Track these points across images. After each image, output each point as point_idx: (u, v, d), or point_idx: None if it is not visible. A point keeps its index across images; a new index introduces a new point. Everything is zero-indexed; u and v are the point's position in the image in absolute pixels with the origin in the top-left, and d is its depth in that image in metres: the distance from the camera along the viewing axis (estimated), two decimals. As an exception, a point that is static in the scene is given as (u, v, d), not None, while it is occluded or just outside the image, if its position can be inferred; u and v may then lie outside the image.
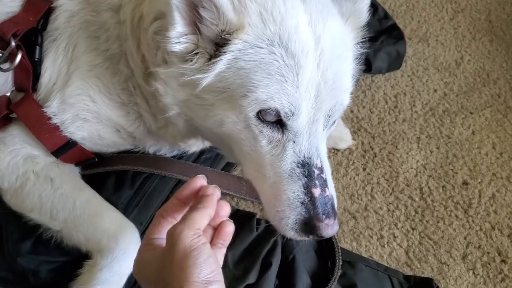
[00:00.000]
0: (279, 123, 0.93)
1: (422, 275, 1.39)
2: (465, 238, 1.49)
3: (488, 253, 1.46)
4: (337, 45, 0.97)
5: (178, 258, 0.76)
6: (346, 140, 1.67)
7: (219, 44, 0.92)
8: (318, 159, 0.95)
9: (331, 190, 0.95)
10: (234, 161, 1.19)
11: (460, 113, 1.82)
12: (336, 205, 0.96)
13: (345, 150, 1.67)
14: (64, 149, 1.23)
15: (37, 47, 1.19)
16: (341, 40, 1.00)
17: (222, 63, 0.91)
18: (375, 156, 1.67)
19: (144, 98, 1.17)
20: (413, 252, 1.45)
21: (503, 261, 1.44)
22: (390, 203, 1.55)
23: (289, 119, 0.91)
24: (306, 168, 0.93)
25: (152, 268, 0.82)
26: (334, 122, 1.02)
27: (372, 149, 1.69)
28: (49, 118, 1.17)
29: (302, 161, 0.93)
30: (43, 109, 1.17)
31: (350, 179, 1.61)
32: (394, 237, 1.48)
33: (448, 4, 2.26)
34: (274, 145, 0.94)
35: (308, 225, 0.92)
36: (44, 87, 1.19)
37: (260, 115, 0.92)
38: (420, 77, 1.93)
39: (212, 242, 0.87)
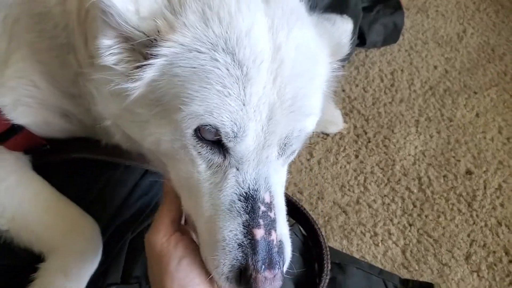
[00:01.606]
0: (221, 145, 0.76)
1: (421, 279, 1.25)
2: (468, 236, 1.33)
3: (494, 252, 1.31)
4: (303, 59, 0.78)
5: (153, 266, 0.76)
6: (336, 123, 1.50)
7: (150, 48, 0.75)
8: (267, 193, 0.76)
9: (280, 235, 0.76)
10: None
11: (462, 93, 1.65)
12: (286, 254, 0.77)
13: (335, 134, 1.50)
14: (8, 135, 1.07)
15: None
16: (309, 53, 0.80)
17: (153, 70, 0.75)
18: (369, 142, 1.49)
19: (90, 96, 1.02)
20: (411, 251, 1.29)
21: (511, 261, 1.29)
22: (385, 196, 1.39)
23: (230, 141, 0.73)
24: (250, 202, 0.75)
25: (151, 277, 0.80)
26: (294, 151, 0.83)
27: (366, 133, 1.51)
28: None
29: (246, 193, 0.75)
30: None
31: (340, 168, 1.44)
32: (390, 234, 1.32)
33: (449, -29, 2.06)
34: (214, 171, 0.77)
35: (243, 274, 0.74)
36: None
37: (199, 133, 0.74)
38: (419, 51, 1.75)
39: None
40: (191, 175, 0.77)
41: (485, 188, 1.43)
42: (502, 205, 1.39)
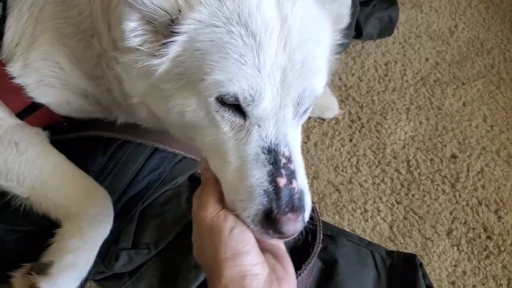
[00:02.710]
0: (241, 108, 0.85)
1: (406, 251, 1.36)
2: (451, 213, 1.44)
3: (474, 229, 1.42)
4: (308, 27, 0.88)
5: (204, 238, 0.83)
6: (332, 109, 1.61)
7: (172, 26, 0.85)
8: (286, 148, 0.85)
9: (300, 184, 0.86)
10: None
11: (451, 84, 1.76)
12: (306, 202, 0.86)
13: (331, 119, 1.61)
14: (30, 111, 1.16)
15: (0, 3, 1.10)
16: (313, 22, 0.90)
17: (176, 46, 0.84)
18: (363, 127, 1.61)
19: (116, 78, 1.10)
20: (397, 226, 1.41)
21: (488, 237, 1.41)
22: (375, 176, 1.50)
23: (248, 105, 0.83)
24: (272, 155, 0.84)
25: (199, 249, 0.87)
26: (306, 110, 0.93)
27: (360, 119, 1.62)
28: (12, 77, 1.09)
29: (268, 147, 0.84)
30: (6, 68, 1.09)
31: (335, 150, 1.55)
32: (379, 211, 1.44)
33: (444, -31, 2.16)
34: (237, 130, 0.86)
35: (269, 217, 0.82)
36: (6, 47, 1.11)
37: (221, 98, 0.84)
38: (412, 44, 1.85)
39: None
40: (217, 137, 0.87)
41: (468, 171, 1.54)
42: (483, 186, 1.51)
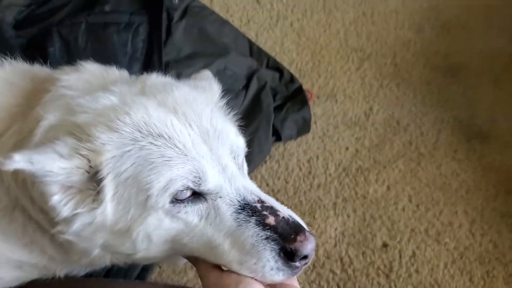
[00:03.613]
0: (196, 195, 0.90)
1: None
2: (389, 307, 1.47)
3: (413, 319, 1.44)
4: (195, 103, 0.98)
5: None
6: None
7: (92, 177, 0.90)
8: (252, 195, 0.90)
9: (285, 212, 0.90)
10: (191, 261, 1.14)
11: (373, 169, 1.83)
12: (300, 221, 0.91)
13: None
14: None
15: None
16: (195, 98, 1.00)
17: (107, 188, 0.89)
18: (293, 231, 1.64)
19: (48, 237, 1.12)
20: (339, 331, 1.42)
21: (428, 325, 1.43)
22: (312, 281, 1.53)
23: (200, 184, 0.88)
24: (247, 208, 0.89)
25: None
26: (243, 161, 1.01)
27: (289, 224, 1.66)
28: None
29: (240, 205, 0.89)
30: None
31: (270, 260, 1.58)
32: (319, 318, 1.45)
33: (353, 54, 2.30)
34: (206, 215, 0.90)
35: (287, 254, 0.86)
36: None
37: (175, 199, 0.88)
38: (331, 136, 1.94)
39: None
40: (193, 234, 0.91)
41: (400, 257, 1.58)
42: (417, 271, 1.55)
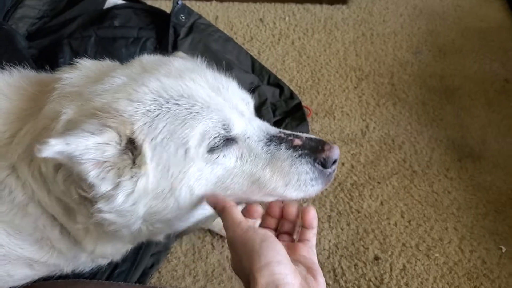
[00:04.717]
0: (228, 140, 1.00)
1: None
2: (378, 318, 1.52)
3: (402, 330, 1.49)
4: (195, 68, 1.09)
5: (240, 254, 0.89)
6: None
7: (126, 146, 0.96)
8: (272, 128, 1.05)
9: (303, 134, 1.05)
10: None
11: (367, 185, 1.89)
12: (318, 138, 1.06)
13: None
14: None
15: None
16: (193, 65, 1.13)
17: (145, 154, 0.96)
18: (288, 242, 1.70)
19: (58, 231, 1.17)
20: None
21: (416, 336, 1.48)
22: (305, 291, 1.58)
23: (230, 130, 0.99)
24: (274, 139, 1.03)
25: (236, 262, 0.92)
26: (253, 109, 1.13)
27: (285, 235, 1.72)
28: None
29: (266, 138, 1.03)
30: None
31: (265, 269, 1.63)
32: (310, 326, 1.50)
33: (352, 73, 2.38)
34: (240, 156, 1.02)
35: (319, 162, 1.01)
36: None
37: (211, 148, 0.98)
38: (328, 152, 2.00)
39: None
40: (233, 176, 1.01)
41: (391, 270, 1.63)
42: (406, 284, 1.60)
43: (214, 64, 1.97)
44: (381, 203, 1.83)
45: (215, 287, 1.58)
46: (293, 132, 1.06)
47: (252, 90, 1.98)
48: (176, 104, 0.97)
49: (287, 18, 2.66)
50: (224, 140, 0.99)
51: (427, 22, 2.69)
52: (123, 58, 1.83)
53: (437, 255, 1.69)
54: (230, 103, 1.03)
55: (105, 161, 0.94)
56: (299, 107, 2.05)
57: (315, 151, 1.01)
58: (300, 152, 1.01)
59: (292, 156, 1.01)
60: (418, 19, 2.72)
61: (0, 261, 1.18)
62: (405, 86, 2.33)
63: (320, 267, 1.61)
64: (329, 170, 1.03)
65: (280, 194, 1.02)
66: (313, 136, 1.05)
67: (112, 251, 1.25)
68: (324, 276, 1.60)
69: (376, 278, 1.61)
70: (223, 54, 2.02)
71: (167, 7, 2.11)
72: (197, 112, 0.97)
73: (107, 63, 1.18)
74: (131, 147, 0.96)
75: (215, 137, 0.97)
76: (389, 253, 1.68)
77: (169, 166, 0.97)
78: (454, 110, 2.21)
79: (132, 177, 0.96)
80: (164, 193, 0.99)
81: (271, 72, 2.18)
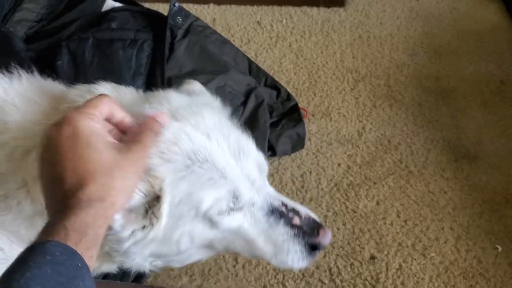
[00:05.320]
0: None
1: None
2: (374, 317, 1.53)
3: (397, 328, 1.50)
4: (222, 126, 1.07)
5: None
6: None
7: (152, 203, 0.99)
8: (277, 200, 1.07)
9: (303, 212, 1.08)
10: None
11: (364, 185, 1.90)
12: (316, 217, 1.09)
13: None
14: None
15: None
16: (221, 120, 1.10)
17: (165, 208, 0.97)
18: (285, 242, 1.71)
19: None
20: (326, 338, 1.48)
21: (411, 335, 1.49)
22: (301, 290, 1.59)
23: (237, 202, 1.01)
24: (275, 212, 1.05)
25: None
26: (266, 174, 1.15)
27: (281, 235, 1.73)
28: None
29: (269, 210, 1.05)
30: None
31: (262, 269, 1.65)
32: (307, 325, 1.51)
33: (349, 74, 2.40)
34: (242, 221, 1.05)
35: (310, 245, 1.05)
36: None
37: (218, 212, 1.01)
38: (324, 153, 2.02)
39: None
40: (232, 237, 1.05)
41: (387, 270, 1.64)
42: (402, 283, 1.61)
43: (210, 66, 2.00)
44: (377, 203, 1.84)
45: (211, 286, 1.59)
46: (294, 207, 1.09)
47: (249, 92, 2.01)
48: (200, 168, 0.99)
49: (284, 21, 2.69)
50: (231, 208, 1.04)
51: (423, 24, 2.71)
52: (120, 60, 1.87)
53: (433, 254, 1.70)
54: (245, 171, 1.04)
55: (130, 209, 0.97)
56: (295, 108, 2.06)
57: (310, 234, 1.06)
58: (295, 232, 1.06)
59: (287, 234, 1.06)
60: (414, 21, 2.74)
61: (1, 265, 1.20)
62: (401, 87, 2.35)
63: (316, 266, 1.64)
64: (317, 252, 1.09)
65: (267, 260, 1.09)
66: (312, 216, 1.09)
67: (114, 267, 1.26)
68: (320, 275, 1.62)
69: (372, 278, 1.62)
70: (220, 56, 2.03)
71: (164, 10, 2.13)
72: (215, 180, 1.00)
73: (123, 90, 1.14)
74: (153, 201, 0.98)
75: (224, 205, 1.01)
76: (385, 252, 1.69)
77: (178, 220, 1.00)
78: (450, 111, 2.22)
79: (144, 227, 0.98)
80: (168, 240, 1.03)
81: (268, 74, 2.19)
